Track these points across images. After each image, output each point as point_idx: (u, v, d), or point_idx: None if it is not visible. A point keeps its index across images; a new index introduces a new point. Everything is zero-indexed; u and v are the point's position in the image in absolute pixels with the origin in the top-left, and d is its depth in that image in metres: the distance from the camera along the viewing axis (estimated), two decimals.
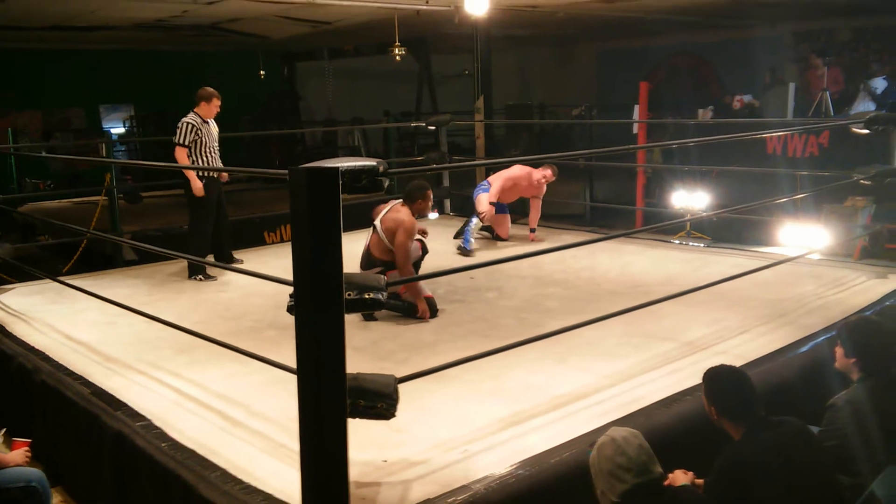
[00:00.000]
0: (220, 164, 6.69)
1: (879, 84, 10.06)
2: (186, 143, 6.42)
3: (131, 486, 3.50)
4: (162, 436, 3.42)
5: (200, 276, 6.43)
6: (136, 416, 3.63)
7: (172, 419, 3.60)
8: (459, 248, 7.13)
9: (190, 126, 6.43)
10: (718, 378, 3.03)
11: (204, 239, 6.57)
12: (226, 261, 6.72)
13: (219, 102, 6.60)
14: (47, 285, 6.08)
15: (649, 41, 15.85)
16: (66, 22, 10.61)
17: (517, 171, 7.40)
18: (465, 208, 9.39)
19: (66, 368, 4.31)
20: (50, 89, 14.58)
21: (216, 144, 6.66)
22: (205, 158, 6.51)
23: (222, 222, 6.77)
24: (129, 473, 3.50)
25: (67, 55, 14.40)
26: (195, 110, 6.54)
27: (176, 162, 6.48)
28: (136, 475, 3.44)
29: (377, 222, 5.38)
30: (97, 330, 5.06)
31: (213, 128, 6.66)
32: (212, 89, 6.60)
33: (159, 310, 4.91)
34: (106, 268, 7.34)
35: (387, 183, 2.72)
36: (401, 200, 5.50)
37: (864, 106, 9.85)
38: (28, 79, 14.18)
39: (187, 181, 6.44)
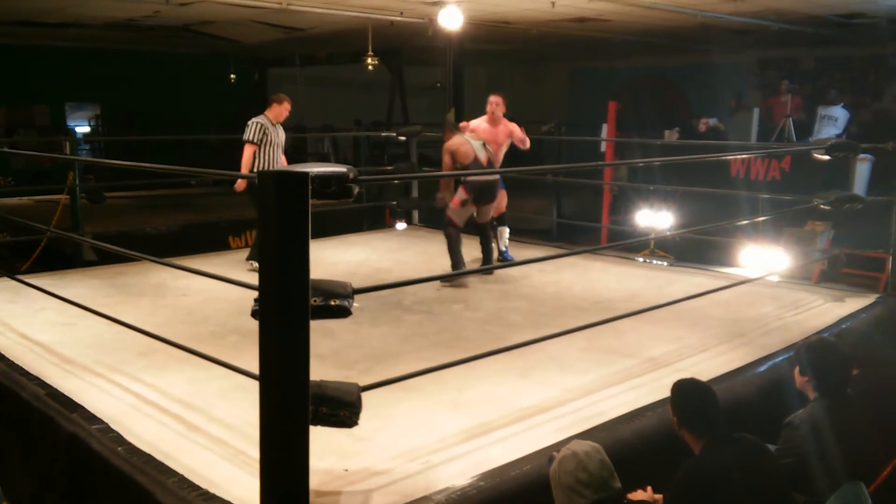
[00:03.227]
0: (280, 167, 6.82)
1: (839, 113, 10.27)
2: (255, 140, 6.60)
3: (86, 490, 3.43)
4: (119, 439, 3.35)
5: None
6: (93, 418, 3.56)
7: (130, 423, 3.54)
8: (501, 258, 7.21)
9: (259, 125, 6.63)
10: (685, 389, 3.08)
11: None
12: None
13: (289, 107, 6.81)
14: (4, 283, 5.94)
15: (619, 62, 16.08)
16: (36, 18, 10.44)
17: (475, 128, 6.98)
18: (433, 219, 9.40)
19: (22, 368, 4.21)
20: (15, 85, 14.31)
21: (281, 148, 6.85)
22: (268, 159, 6.68)
23: None
24: (84, 477, 3.43)
25: (34, 51, 14.15)
26: (265, 112, 6.74)
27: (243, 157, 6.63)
28: (91, 479, 3.37)
29: (483, 146, 6.50)
30: (55, 330, 4.96)
31: (281, 132, 6.86)
32: (283, 94, 6.86)
33: (119, 312, 4.82)
34: (66, 268, 7.20)
35: (356, 190, 2.72)
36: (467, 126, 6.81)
37: (825, 133, 10.08)
38: None
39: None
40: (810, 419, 3.22)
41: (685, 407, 3.02)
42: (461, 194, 6.50)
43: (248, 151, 6.62)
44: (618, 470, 2.59)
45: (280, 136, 6.82)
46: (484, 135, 6.78)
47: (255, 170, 6.53)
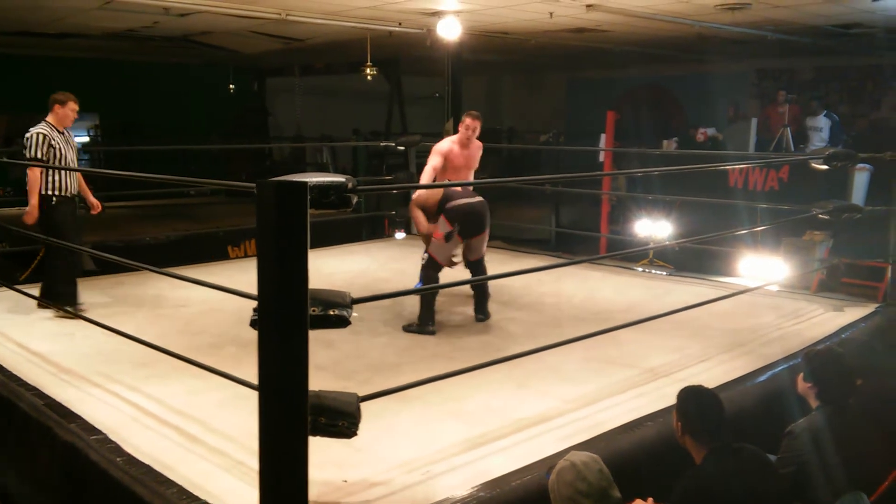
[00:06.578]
0: (75, 184, 5.69)
1: (822, 122, 10.30)
2: (41, 157, 5.41)
3: (84, 501, 3.42)
4: (117, 450, 3.34)
5: (68, 308, 5.33)
6: (91, 429, 3.55)
7: (128, 434, 3.53)
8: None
9: (42, 137, 5.42)
10: (690, 396, 3.06)
11: (71, 266, 5.62)
12: (55, 298, 5.52)
13: (75, 107, 5.61)
14: (3, 293, 5.94)
15: (618, 72, 16.13)
16: (35, 28, 10.47)
17: (446, 148, 5.99)
18: None
19: (20, 379, 4.20)
20: (14, 94, 14.32)
21: (75, 159, 5.75)
22: (60, 176, 5.50)
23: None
24: (82, 488, 3.41)
25: (34, 61, 14.18)
26: (46, 118, 5.55)
27: (28, 181, 5.52)
28: (89, 490, 3.36)
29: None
30: (54, 341, 4.96)
31: (71, 140, 5.69)
32: (67, 93, 5.59)
33: (118, 322, 4.81)
34: None
35: (355, 200, 2.72)
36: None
37: (814, 144, 10.11)
38: None
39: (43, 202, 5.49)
40: (811, 428, 3.21)
41: (688, 414, 3.01)
42: (444, 226, 5.41)
43: (35, 171, 5.43)
44: (617, 480, 2.59)
45: (71, 143, 5.64)
46: (458, 160, 5.87)
47: (49, 191, 5.49)
